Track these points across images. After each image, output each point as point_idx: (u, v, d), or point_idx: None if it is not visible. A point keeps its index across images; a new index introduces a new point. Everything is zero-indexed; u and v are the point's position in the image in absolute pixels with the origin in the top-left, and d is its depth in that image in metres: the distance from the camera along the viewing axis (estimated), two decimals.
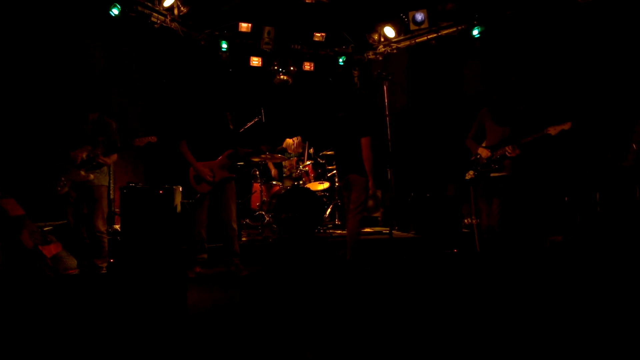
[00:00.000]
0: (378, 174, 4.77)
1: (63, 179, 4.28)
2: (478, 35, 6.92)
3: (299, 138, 7.37)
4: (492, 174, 4.63)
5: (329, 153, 7.07)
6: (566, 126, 4.22)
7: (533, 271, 4.74)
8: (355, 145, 4.62)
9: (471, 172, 4.78)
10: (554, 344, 2.77)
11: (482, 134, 4.81)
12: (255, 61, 8.05)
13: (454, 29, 7.16)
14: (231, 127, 4.92)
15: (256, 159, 6.38)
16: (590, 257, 5.17)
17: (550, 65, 6.50)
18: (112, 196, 6.05)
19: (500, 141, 4.58)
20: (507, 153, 4.48)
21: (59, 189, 4.28)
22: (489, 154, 4.62)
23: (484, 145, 4.73)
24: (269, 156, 6.34)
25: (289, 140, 7.51)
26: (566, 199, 6.05)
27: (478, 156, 4.74)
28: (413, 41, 7.66)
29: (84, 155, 4.33)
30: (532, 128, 4.42)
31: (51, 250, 4.06)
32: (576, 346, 2.75)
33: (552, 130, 4.26)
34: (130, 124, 6.72)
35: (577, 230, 5.74)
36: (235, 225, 4.82)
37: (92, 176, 4.37)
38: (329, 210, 6.92)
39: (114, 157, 4.54)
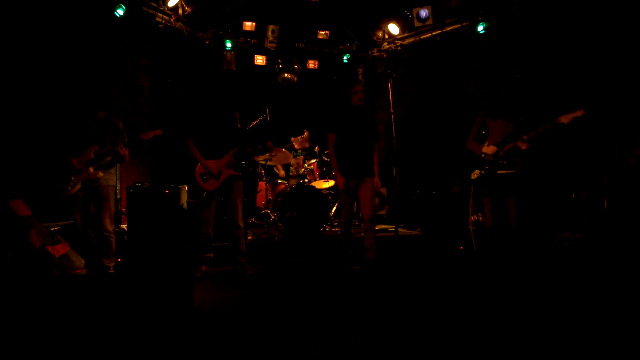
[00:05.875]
0: (383, 171, 4.81)
1: (73, 178, 4.30)
2: (483, 32, 6.89)
3: (307, 133, 7.24)
4: (500, 172, 4.53)
5: None
6: (579, 113, 4.03)
7: (540, 268, 4.72)
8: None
9: (477, 172, 4.68)
10: (556, 342, 2.77)
11: (483, 136, 4.73)
12: (260, 60, 8.05)
13: (459, 25, 7.14)
14: (239, 126, 4.93)
15: (260, 158, 6.34)
16: (597, 255, 5.14)
17: (556, 60, 6.46)
18: (119, 196, 6.09)
19: (507, 136, 4.49)
20: (519, 145, 4.34)
21: (70, 188, 4.30)
22: (495, 149, 4.53)
23: (486, 144, 4.66)
24: (274, 154, 6.29)
25: (294, 139, 7.48)
26: (573, 195, 6.02)
27: (483, 155, 4.64)
28: (417, 38, 7.64)
29: (92, 154, 4.36)
30: (540, 120, 4.30)
31: (59, 250, 4.10)
32: (578, 345, 2.75)
33: (565, 119, 4.08)
34: (135, 123, 6.75)
35: (584, 228, 5.70)
36: (242, 224, 4.82)
37: (101, 174, 4.39)
38: (335, 208, 6.91)
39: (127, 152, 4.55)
